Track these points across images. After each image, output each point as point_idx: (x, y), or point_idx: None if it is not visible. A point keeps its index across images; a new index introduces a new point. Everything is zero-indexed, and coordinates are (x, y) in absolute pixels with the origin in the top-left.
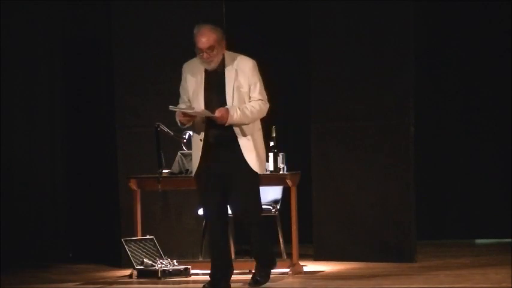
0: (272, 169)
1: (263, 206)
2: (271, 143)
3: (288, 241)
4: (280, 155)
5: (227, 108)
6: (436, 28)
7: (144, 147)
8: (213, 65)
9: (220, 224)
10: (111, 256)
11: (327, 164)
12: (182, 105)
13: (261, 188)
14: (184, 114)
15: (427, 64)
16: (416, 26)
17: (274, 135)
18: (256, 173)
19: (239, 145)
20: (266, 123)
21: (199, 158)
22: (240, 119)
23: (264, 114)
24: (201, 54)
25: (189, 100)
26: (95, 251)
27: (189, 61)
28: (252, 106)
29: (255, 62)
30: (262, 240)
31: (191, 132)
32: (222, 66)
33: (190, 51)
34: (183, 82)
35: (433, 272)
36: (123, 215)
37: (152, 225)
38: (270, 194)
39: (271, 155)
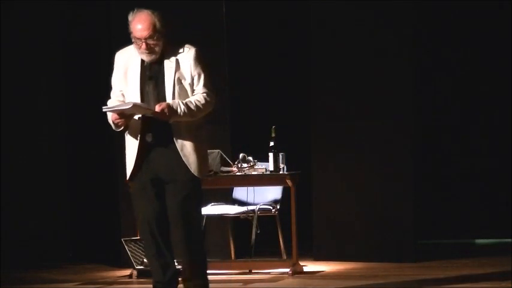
0: (272, 169)
1: (263, 206)
2: (271, 143)
3: (288, 241)
4: (280, 155)
5: (169, 103)
6: (436, 28)
7: None
8: (153, 57)
9: (161, 234)
10: (111, 256)
11: (327, 164)
12: (116, 103)
13: (260, 188)
14: (120, 114)
15: (427, 64)
16: (416, 26)
17: (274, 135)
18: (197, 177)
19: (176, 146)
20: (266, 123)
21: (134, 160)
22: (185, 114)
23: (211, 108)
24: (139, 44)
25: (122, 95)
26: (95, 251)
27: (123, 49)
28: (197, 100)
29: (198, 50)
30: (196, 255)
31: None
32: (161, 56)
33: None
34: (115, 73)
35: (433, 272)
36: (123, 215)
37: None
38: (270, 194)
39: (271, 155)
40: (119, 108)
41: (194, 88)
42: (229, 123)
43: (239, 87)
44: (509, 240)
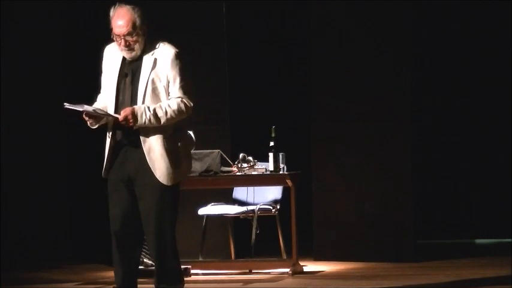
0: (272, 169)
1: (263, 206)
2: (271, 143)
3: (288, 241)
4: (280, 155)
5: (133, 109)
6: (435, 28)
7: None
8: (133, 54)
9: (127, 234)
10: (111, 256)
11: (326, 164)
12: (100, 105)
13: (260, 188)
14: (88, 114)
15: (427, 64)
16: (416, 26)
17: (274, 135)
18: (166, 185)
19: (143, 149)
20: (266, 123)
21: (106, 157)
22: (151, 122)
23: (185, 114)
24: (119, 41)
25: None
26: (95, 251)
27: (111, 44)
28: (168, 105)
29: (177, 52)
30: (168, 266)
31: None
32: (142, 53)
33: (191, 52)
34: (103, 71)
35: (433, 272)
36: None
37: None
38: (270, 194)
39: (271, 155)
40: (78, 109)
41: (169, 91)
42: (229, 123)
43: (239, 87)
44: (509, 240)
